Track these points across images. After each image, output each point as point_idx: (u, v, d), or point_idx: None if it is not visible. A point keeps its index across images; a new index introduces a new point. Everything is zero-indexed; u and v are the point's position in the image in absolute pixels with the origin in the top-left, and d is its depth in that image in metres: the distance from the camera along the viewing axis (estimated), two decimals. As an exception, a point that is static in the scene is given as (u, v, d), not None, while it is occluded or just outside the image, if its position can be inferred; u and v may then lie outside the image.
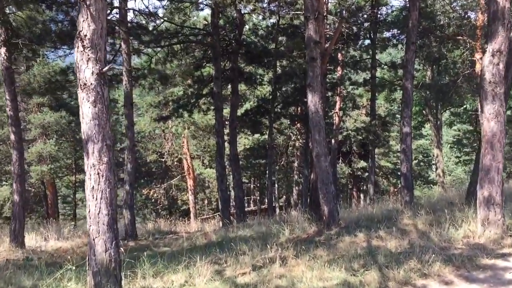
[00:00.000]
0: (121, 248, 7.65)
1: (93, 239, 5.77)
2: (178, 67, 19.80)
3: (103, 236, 5.77)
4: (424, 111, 32.59)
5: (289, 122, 25.00)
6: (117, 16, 14.83)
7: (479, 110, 20.51)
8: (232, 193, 23.68)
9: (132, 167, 14.68)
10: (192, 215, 34.94)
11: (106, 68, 5.80)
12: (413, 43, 13.54)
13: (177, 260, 9.02)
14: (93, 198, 5.77)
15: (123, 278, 6.61)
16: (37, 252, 12.55)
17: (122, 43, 14.58)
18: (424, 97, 28.42)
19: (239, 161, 20.51)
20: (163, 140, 36.20)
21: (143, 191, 34.36)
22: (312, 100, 9.43)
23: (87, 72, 5.65)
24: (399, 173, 44.46)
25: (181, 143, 34.66)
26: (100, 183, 5.76)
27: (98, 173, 5.74)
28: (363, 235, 8.94)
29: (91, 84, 5.67)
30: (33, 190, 33.81)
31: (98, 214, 5.77)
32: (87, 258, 5.93)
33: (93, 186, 5.76)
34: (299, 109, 22.76)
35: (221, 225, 18.31)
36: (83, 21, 5.46)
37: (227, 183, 19.28)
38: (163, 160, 35.76)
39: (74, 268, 6.62)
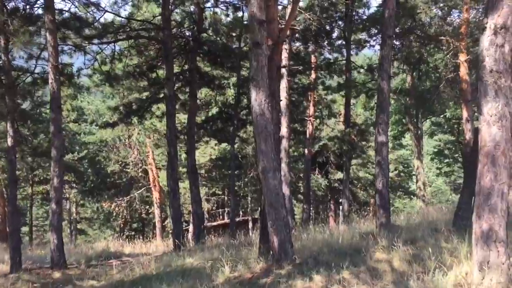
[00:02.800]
0: None
1: None
2: (128, 67, 17.48)
3: None
4: (404, 120, 30.75)
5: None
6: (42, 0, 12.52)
7: (464, 117, 18.67)
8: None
9: (59, 182, 12.25)
10: (158, 230, 32.46)
11: None
12: (390, 36, 11.52)
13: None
14: None
15: None
16: None
17: (47, 34, 12.22)
18: (404, 104, 26.56)
19: (198, 173, 18.21)
20: (129, 150, 33.59)
21: (104, 204, 31.70)
22: (257, 98, 7.24)
23: None
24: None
25: (146, 153, 32.20)
26: None
27: None
28: (321, 277, 6.73)
29: None
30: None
31: None
32: None
33: None
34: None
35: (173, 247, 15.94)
36: None
37: (180, 198, 16.96)
38: (128, 171, 33.18)
39: None
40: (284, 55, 15.03)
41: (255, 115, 7.31)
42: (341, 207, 29.62)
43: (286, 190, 15.14)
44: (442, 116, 29.15)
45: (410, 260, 7.18)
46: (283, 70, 15.09)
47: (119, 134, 30.97)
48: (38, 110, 29.62)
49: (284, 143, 15.06)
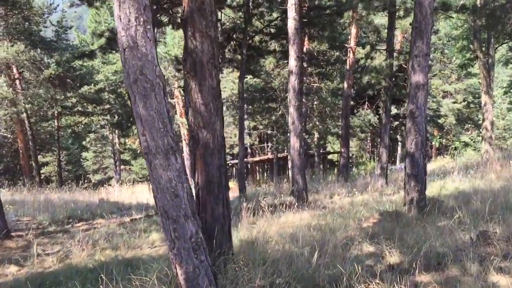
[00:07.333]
0: None
1: None
2: None
3: None
4: (471, 46, 25.28)
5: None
6: None
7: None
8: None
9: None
10: (187, 170, 30.30)
11: None
12: None
13: None
14: None
15: None
16: None
17: None
18: (472, 26, 21.25)
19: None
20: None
21: (128, 140, 29.64)
22: (121, 14, 3.66)
23: None
24: (439, 122, 37.57)
25: (172, 85, 29.34)
26: None
27: None
28: None
29: None
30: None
31: None
32: None
33: None
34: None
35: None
36: None
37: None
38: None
39: None
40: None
41: (122, 48, 3.78)
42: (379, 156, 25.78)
43: (296, 142, 11.62)
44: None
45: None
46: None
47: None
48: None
49: (293, 81, 11.26)
